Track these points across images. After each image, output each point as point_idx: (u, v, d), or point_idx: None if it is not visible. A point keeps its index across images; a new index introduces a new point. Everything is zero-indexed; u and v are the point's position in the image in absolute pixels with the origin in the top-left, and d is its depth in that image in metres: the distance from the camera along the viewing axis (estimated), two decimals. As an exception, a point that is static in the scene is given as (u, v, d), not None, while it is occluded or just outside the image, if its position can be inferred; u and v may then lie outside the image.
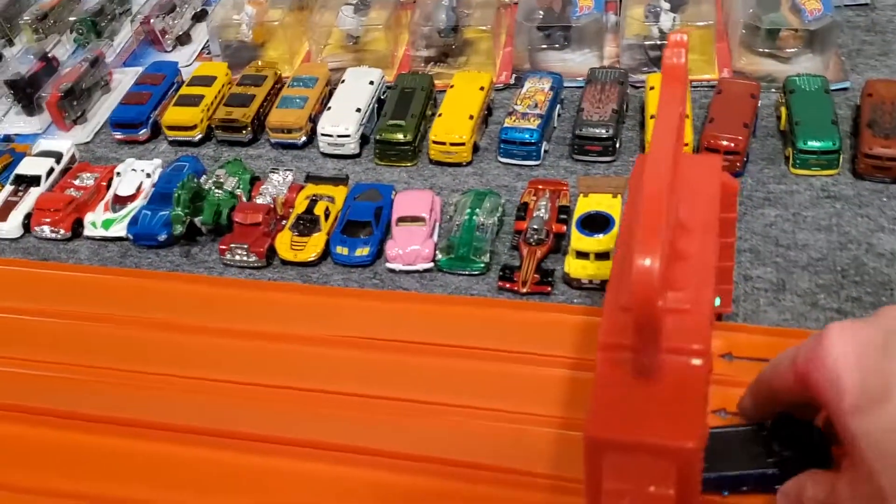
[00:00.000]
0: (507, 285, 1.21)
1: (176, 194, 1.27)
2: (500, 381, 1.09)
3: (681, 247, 0.75)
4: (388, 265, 1.25)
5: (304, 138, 1.48)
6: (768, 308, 1.14)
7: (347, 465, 0.99)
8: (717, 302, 0.93)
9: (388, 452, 0.99)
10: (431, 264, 1.25)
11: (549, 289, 1.20)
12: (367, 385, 1.08)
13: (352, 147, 1.45)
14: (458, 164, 1.44)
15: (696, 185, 0.82)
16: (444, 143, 1.41)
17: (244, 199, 1.33)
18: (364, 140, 1.48)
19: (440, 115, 1.45)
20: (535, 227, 1.25)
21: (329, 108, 1.48)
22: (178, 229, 1.27)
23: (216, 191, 1.32)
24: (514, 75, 1.60)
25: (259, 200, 1.33)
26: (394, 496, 0.96)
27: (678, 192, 0.75)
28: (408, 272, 1.25)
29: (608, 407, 0.67)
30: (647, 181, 0.64)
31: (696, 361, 0.69)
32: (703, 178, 0.83)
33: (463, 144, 1.41)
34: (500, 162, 1.44)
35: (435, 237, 1.28)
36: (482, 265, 1.23)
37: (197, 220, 1.30)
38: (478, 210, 1.29)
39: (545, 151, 1.43)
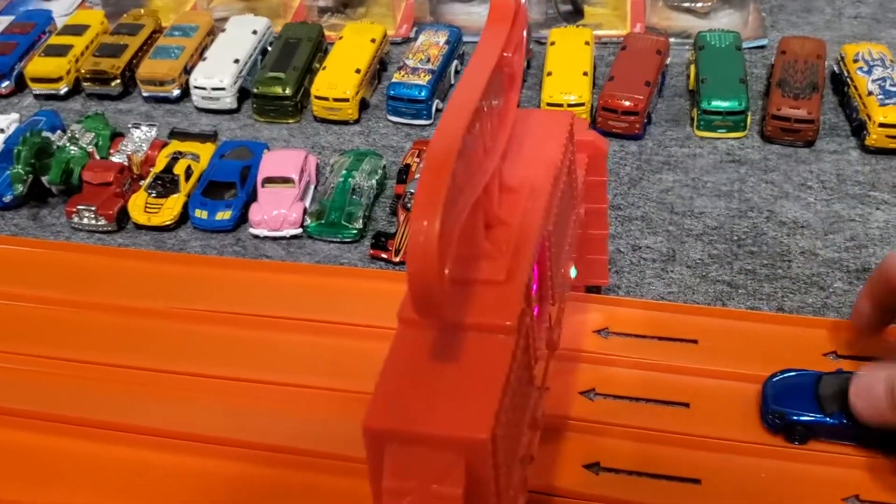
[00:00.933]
0: (381, 254, 1.11)
1: (16, 150, 1.15)
2: (365, 360, 0.99)
3: (500, 212, 0.65)
4: (252, 231, 1.14)
5: (177, 91, 1.36)
6: (654, 280, 1.05)
7: (181, 453, 0.88)
8: (574, 273, 0.84)
9: (234, 441, 0.88)
10: (300, 230, 1.14)
11: (426, 258, 1.10)
12: (220, 365, 0.97)
13: (228, 101, 1.34)
14: (344, 122, 1.33)
15: (533, 145, 0.72)
16: (326, 99, 1.30)
17: (97, 156, 1.21)
18: (244, 94, 1.36)
19: (324, 68, 1.33)
20: (414, 191, 1.15)
21: (204, 58, 1.36)
22: (19, 188, 1.16)
23: (71, 147, 1.20)
24: (414, 28, 1.49)
25: (116, 158, 1.21)
26: (231, 487, 0.86)
27: (499, 151, 0.65)
28: (273, 238, 1.14)
29: (395, 392, 0.58)
30: (435, 134, 0.54)
31: (503, 339, 0.59)
32: (544, 138, 0.73)
33: (347, 100, 1.30)
34: (390, 121, 1.33)
35: (307, 201, 1.18)
36: (355, 232, 1.13)
37: (45, 178, 1.18)
38: (355, 172, 1.18)
39: (437, 110, 1.33)
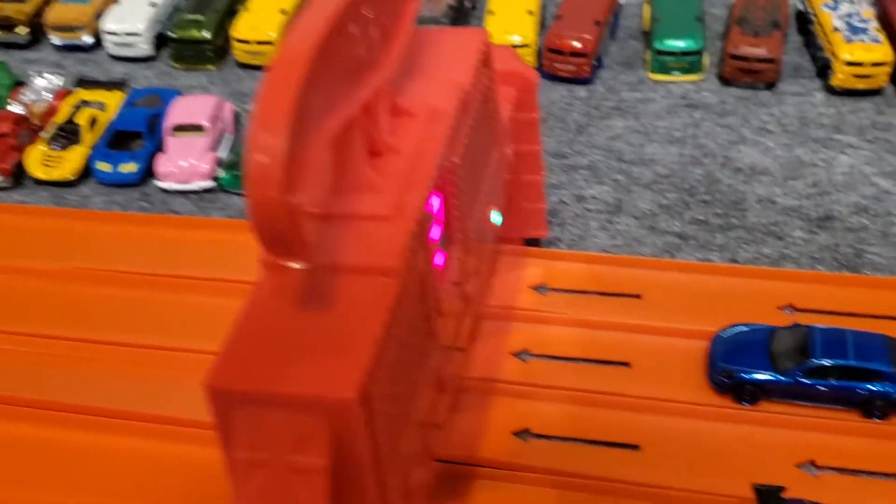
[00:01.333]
0: (303, 207, 1.01)
1: None
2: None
3: (391, 138, 0.56)
4: (159, 184, 1.04)
5: (89, 38, 1.25)
6: (599, 232, 0.96)
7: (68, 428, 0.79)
8: (499, 219, 0.75)
9: (129, 414, 0.79)
10: (212, 182, 1.04)
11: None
12: (124, 330, 0.87)
13: (144, 48, 1.23)
14: (271, 70, 1.22)
15: (438, 66, 0.62)
16: (248, 42, 1.20)
17: (-6, 107, 1.10)
18: (162, 40, 1.25)
19: (247, 9, 1.22)
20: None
21: (118, 1, 1.25)
22: None
23: (-34, 97, 1.10)
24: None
25: (14, 108, 1.10)
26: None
27: (388, 66, 0.56)
28: (183, 192, 1.04)
29: (249, 346, 0.48)
30: (288, 33, 0.45)
31: (384, 282, 0.50)
32: (451, 59, 0.64)
33: (271, 43, 1.19)
34: (321, 67, 1.23)
35: (221, 152, 1.07)
36: (275, 184, 1.03)
37: (-67, 131, 1.08)
38: (277, 120, 1.08)
39: (373, 55, 1.23)
